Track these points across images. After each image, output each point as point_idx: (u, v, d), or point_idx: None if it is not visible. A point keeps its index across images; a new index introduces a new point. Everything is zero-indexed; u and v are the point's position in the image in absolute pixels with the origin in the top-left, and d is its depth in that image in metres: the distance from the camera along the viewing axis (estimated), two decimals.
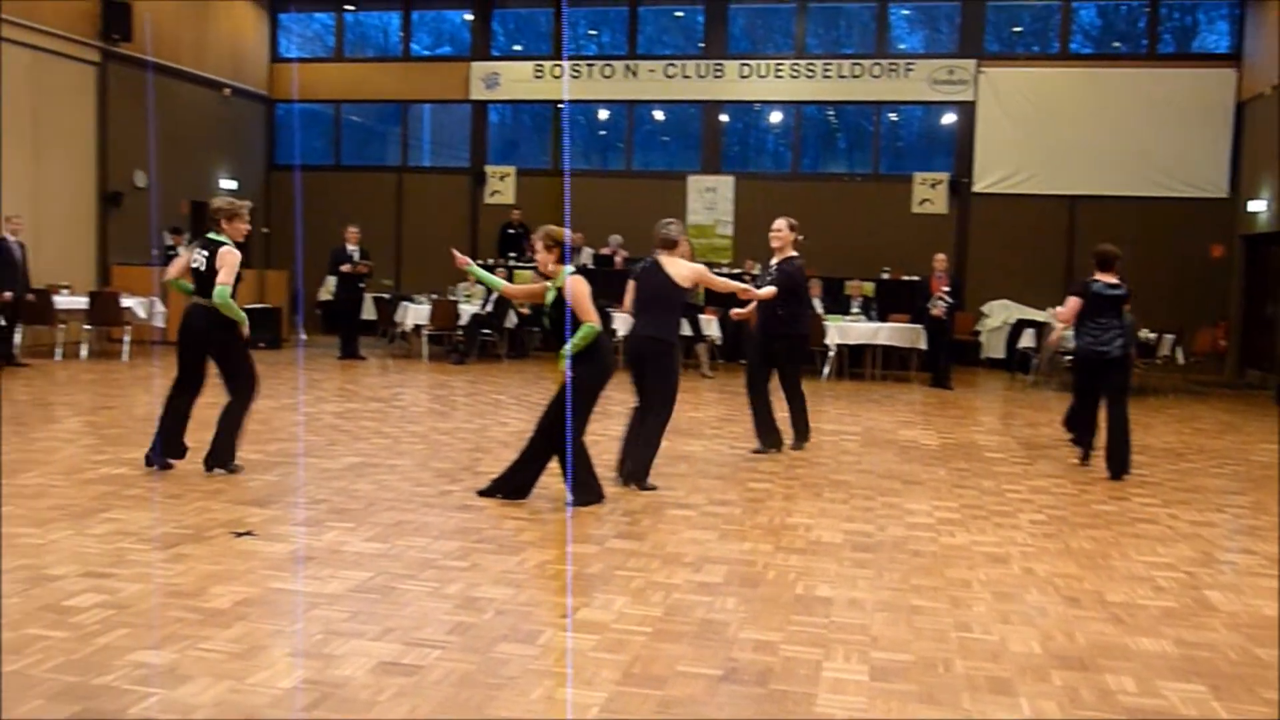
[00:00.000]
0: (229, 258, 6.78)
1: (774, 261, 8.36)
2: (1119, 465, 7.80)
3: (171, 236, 16.59)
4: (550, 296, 6.34)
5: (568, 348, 6.22)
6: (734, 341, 15.44)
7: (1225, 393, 14.40)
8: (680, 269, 7.15)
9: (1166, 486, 7.66)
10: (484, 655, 3.91)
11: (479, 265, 6.96)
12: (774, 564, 5.26)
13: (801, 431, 8.66)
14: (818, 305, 14.65)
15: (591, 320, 6.19)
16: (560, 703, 3.52)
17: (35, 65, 14.99)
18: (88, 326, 13.88)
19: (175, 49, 17.65)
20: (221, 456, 6.91)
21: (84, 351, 13.79)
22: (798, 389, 8.62)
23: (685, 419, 10.00)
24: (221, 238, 6.88)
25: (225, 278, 6.73)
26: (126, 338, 13.99)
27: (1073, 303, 7.98)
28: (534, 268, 6.43)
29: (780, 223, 8.33)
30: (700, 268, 7.45)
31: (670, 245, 7.21)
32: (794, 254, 8.30)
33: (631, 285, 7.34)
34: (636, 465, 6.97)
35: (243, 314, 6.90)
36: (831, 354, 14.22)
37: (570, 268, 6.32)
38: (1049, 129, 17.38)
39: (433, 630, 4.15)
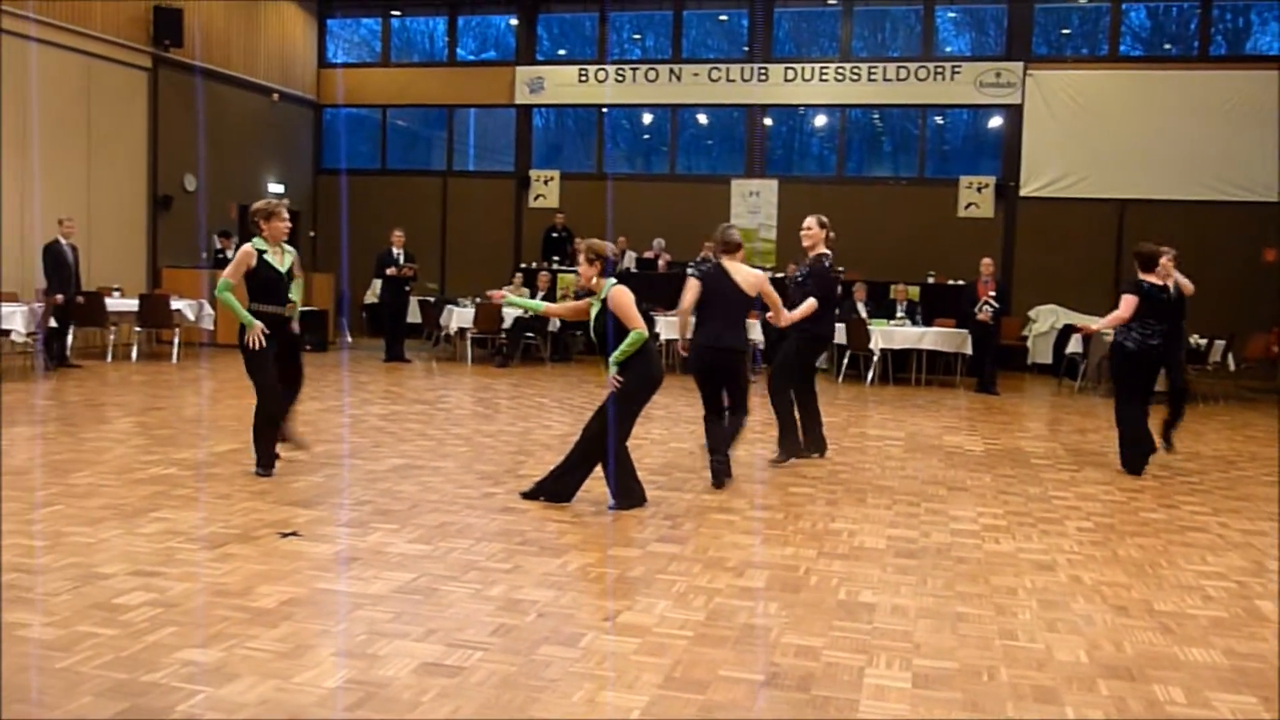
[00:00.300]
0: (238, 254, 6.85)
1: (805, 262, 8.18)
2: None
3: (220, 240, 16.82)
4: (595, 309, 6.36)
5: (615, 355, 6.24)
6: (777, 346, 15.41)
7: (1277, 399, 14.14)
8: (745, 275, 7.08)
9: (1217, 494, 7.54)
10: (526, 657, 3.92)
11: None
12: (816, 569, 5.24)
13: (791, 447, 8.14)
14: (861, 309, 14.58)
15: (639, 328, 6.20)
16: (602, 706, 3.53)
17: (88, 71, 15.27)
18: (138, 328, 14.09)
19: (225, 54, 17.91)
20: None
21: (134, 353, 14.00)
22: (811, 392, 8.33)
23: None
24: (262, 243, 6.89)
25: (226, 271, 6.82)
26: (176, 340, 14.19)
27: (1129, 301, 7.97)
28: (579, 270, 6.43)
29: (810, 220, 8.08)
30: (763, 277, 7.29)
31: (733, 249, 7.11)
32: (825, 252, 8.04)
33: (695, 287, 7.24)
34: (722, 467, 7.05)
35: (246, 316, 6.78)
36: (875, 358, 14.13)
37: (612, 280, 6.33)
38: (1097, 132, 17.16)
39: (475, 632, 4.18)
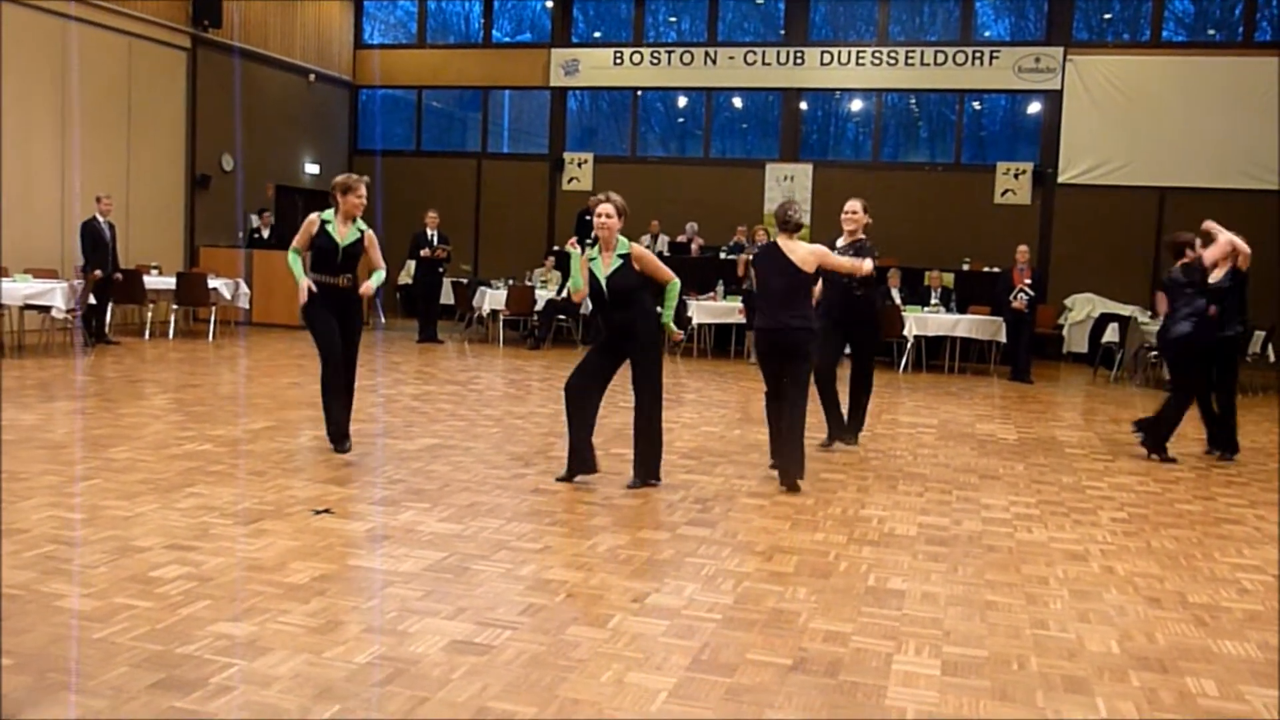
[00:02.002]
0: (305, 222, 7.05)
1: (841, 243, 7.81)
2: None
3: (258, 219, 16.94)
4: (615, 264, 6.32)
5: (669, 312, 6.41)
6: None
7: None
8: (802, 253, 6.88)
9: (1254, 486, 7.45)
10: (555, 637, 3.94)
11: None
12: (846, 555, 5.23)
13: (854, 427, 8.18)
14: (896, 296, 14.50)
15: (673, 278, 6.38)
16: (629, 686, 3.54)
17: (129, 51, 15.39)
18: (175, 306, 14.24)
19: (263, 35, 18.00)
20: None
21: (171, 330, 14.15)
22: (870, 378, 8.24)
23: (759, 408, 9.95)
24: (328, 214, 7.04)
25: (295, 239, 7.02)
26: (212, 318, 14.32)
27: (1158, 297, 8.06)
28: (603, 223, 6.36)
29: (855, 204, 7.82)
30: (822, 250, 7.01)
31: (792, 229, 6.84)
32: (864, 237, 7.80)
33: (753, 272, 7.28)
34: (789, 464, 6.67)
35: (298, 273, 6.88)
36: (909, 345, 14.05)
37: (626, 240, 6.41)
38: (1138, 119, 16.93)
39: (505, 611, 4.20)
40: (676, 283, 6.38)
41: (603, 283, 6.34)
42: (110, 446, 6.98)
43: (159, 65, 16.03)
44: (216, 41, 16.84)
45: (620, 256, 6.32)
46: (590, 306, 6.72)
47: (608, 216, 6.32)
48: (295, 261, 6.93)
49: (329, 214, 7.02)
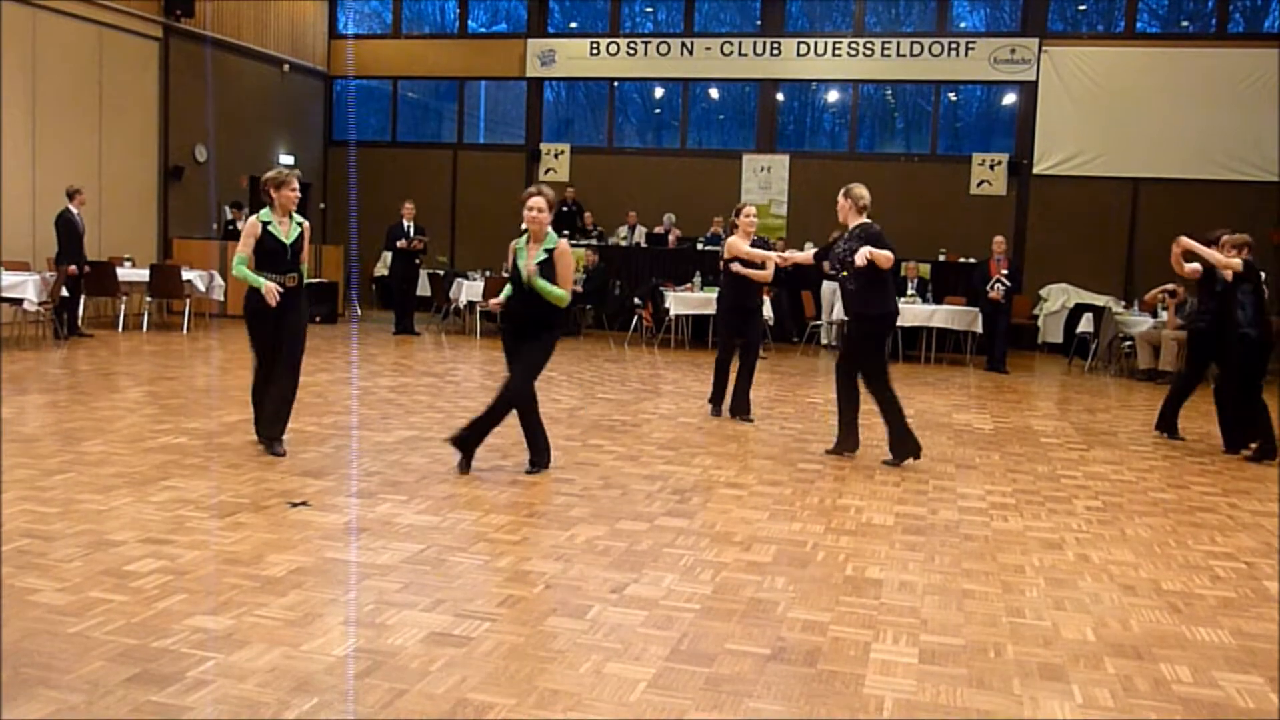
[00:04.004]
0: (246, 227, 6.83)
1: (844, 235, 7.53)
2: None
3: (231, 211, 16.82)
4: (540, 257, 6.34)
5: (545, 285, 6.32)
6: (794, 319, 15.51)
7: None
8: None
9: (1226, 475, 7.52)
10: (533, 628, 3.94)
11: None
12: (824, 544, 5.25)
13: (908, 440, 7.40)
14: None
15: (566, 295, 6.39)
16: (608, 677, 3.54)
17: (99, 41, 15.23)
18: (149, 298, 14.12)
19: (236, 25, 17.85)
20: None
21: (145, 323, 14.04)
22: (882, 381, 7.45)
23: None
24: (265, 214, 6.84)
25: (238, 247, 6.82)
26: (187, 310, 14.22)
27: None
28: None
29: (840, 198, 7.56)
30: (731, 241, 7.25)
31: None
32: (866, 222, 7.39)
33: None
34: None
35: (255, 278, 6.65)
36: None
37: (556, 235, 6.46)
38: (1112, 110, 17.03)
39: (483, 602, 4.19)
40: (565, 297, 6.39)
41: (523, 272, 6.37)
42: (84, 440, 6.92)
43: (130, 55, 15.86)
44: (189, 31, 16.68)
45: (546, 250, 6.36)
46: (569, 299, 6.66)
47: (539, 210, 6.35)
48: (245, 269, 6.70)
49: (266, 214, 6.82)
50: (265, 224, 6.78)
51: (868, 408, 7.39)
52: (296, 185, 6.88)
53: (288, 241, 6.81)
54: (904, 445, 7.28)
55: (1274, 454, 7.98)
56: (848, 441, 7.58)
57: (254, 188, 18.55)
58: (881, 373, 7.29)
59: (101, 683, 3.33)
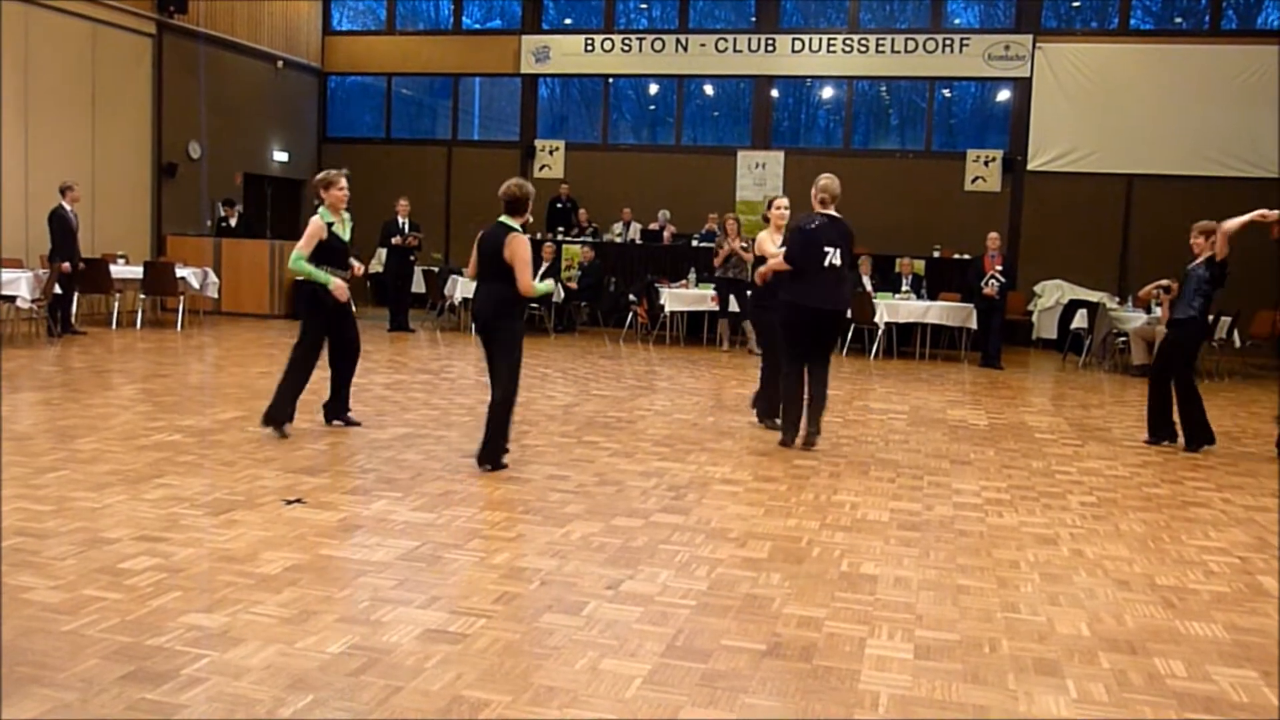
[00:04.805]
0: (310, 227, 7.15)
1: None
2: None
3: (225, 208, 16.78)
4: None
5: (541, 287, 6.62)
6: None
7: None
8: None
9: (1220, 470, 7.54)
10: (529, 625, 3.94)
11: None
12: (819, 540, 5.25)
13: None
14: (867, 283, 14.54)
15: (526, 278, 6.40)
16: (604, 674, 3.54)
17: (93, 37, 15.19)
18: (143, 296, 14.09)
19: (230, 21, 17.81)
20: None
21: (139, 320, 14.01)
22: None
23: (731, 395, 9.99)
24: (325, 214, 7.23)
25: (300, 244, 7.10)
26: (180, 307, 14.19)
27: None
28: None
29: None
30: (760, 238, 7.43)
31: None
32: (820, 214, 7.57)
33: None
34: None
35: (324, 275, 7.12)
36: (880, 332, 14.11)
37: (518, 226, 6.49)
38: (1106, 106, 17.04)
39: (479, 599, 4.19)
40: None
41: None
42: (78, 437, 6.91)
43: (124, 52, 15.83)
44: (182, 28, 16.64)
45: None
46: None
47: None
48: (307, 264, 7.08)
49: (326, 214, 7.22)
50: (329, 224, 7.18)
51: (866, 403, 7.38)
52: (345, 184, 7.31)
53: (347, 239, 7.32)
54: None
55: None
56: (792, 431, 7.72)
57: (248, 185, 18.55)
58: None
59: (96, 681, 3.32)
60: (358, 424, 7.65)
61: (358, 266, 7.48)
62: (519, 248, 6.31)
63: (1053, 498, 6.43)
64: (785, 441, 7.58)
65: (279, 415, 7.17)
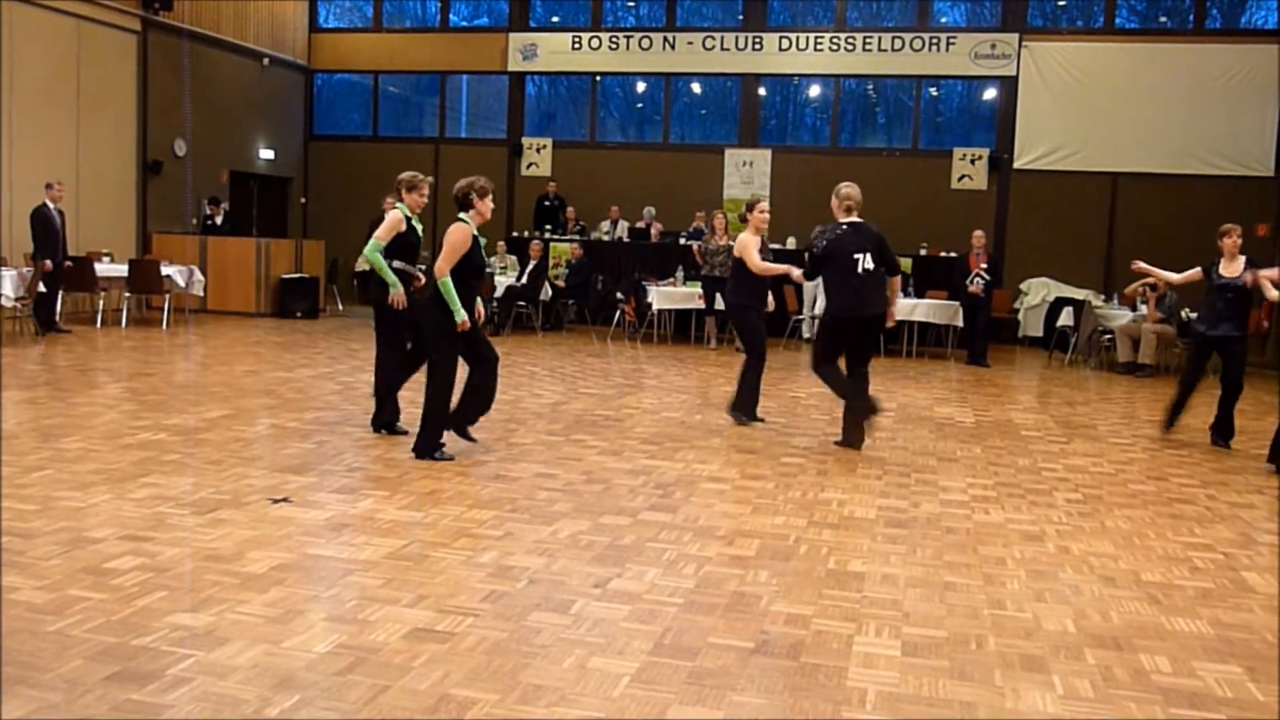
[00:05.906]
0: (390, 219, 7.23)
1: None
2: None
3: (210, 206, 16.71)
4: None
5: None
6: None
7: (1268, 374, 14.18)
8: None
9: (1205, 467, 7.58)
10: (516, 624, 3.94)
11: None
12: (807, 538, 5.26)
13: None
14: None
15: (445, 274, 6.51)
16: (592, 672, 3.54)
17: (77, 33, 15.11)
18: (128, 294, 14.03)
19: (216, 18, 17.74)
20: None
21: (124, 318, 13.94)
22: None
23: (719, 393, 9.99)
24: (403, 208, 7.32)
25: (379, 232, 7.17)
26: (166, 305, 14.13)
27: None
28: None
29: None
30: (742, 240, 7.46)
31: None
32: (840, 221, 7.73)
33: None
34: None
35: (394, 277, 7.16)
36: None
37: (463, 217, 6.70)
38: (1092, 105, 17.10)
39: (466, 598, 4.18)
40: (445, 281, 6.51)
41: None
42: (62, 436, 6.88)
43: (109, 49, 15.74)
44: (168, 25, 16.56)
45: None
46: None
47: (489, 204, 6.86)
48: (381, 258, 7.11)
49: (406, 210, 7.30)
50: (408, 219, 7.28)
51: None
52: (427, 191, 7.43)
53: (420, 238, 7.44)
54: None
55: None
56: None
57: (234, 182, 18.47)
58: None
59: (81, 681, 3.31)
60: (404, 432, 7.38)
61: (421, 278, 7.24)
62: (451, 233, 6.56)
63: (1039, 495, 6.45)
64: (861, 417, 7.60)
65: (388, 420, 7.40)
